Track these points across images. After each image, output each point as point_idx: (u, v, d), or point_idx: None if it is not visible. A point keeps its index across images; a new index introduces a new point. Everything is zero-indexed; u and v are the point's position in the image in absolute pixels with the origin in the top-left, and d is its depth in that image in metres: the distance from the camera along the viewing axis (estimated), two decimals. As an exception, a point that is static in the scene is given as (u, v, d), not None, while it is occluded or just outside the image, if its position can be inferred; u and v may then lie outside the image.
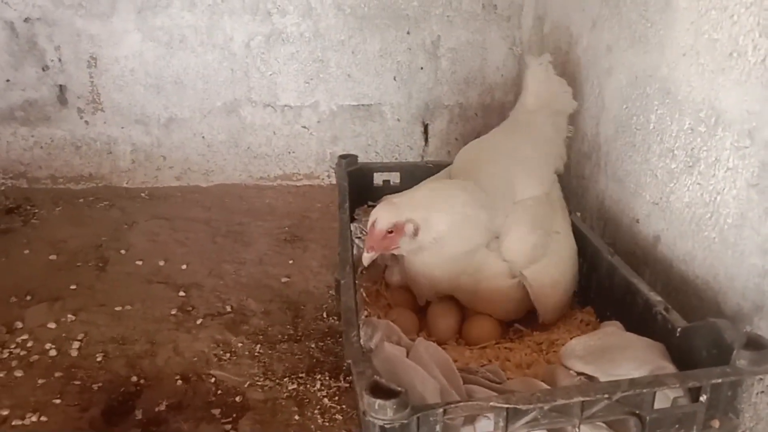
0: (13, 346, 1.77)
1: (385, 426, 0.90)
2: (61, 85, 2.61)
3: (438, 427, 0.93)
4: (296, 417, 1.54)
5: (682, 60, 1.44)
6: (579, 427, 0.96)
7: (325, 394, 1.61)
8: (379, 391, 0.90)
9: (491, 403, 0.91)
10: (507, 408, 0.92)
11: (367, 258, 1.45)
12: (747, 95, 1.22)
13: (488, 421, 0.97)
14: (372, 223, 1.42)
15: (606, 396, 0.94)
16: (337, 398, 1.59)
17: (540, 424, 0.95)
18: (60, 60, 2.57)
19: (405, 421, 0.90)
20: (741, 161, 1.24)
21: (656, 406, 1.00)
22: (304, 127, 2.75)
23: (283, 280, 2.13)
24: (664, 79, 1.52)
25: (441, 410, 0.92)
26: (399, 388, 0.90)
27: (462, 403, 0.92)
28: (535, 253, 1.51)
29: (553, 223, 1.57)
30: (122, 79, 2.62)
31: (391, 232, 1.42)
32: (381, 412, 0.88)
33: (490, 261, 1.50)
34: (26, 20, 2.49)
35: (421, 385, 1.08)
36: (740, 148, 1.24)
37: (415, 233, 1.43)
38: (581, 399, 0.93)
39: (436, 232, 1.43)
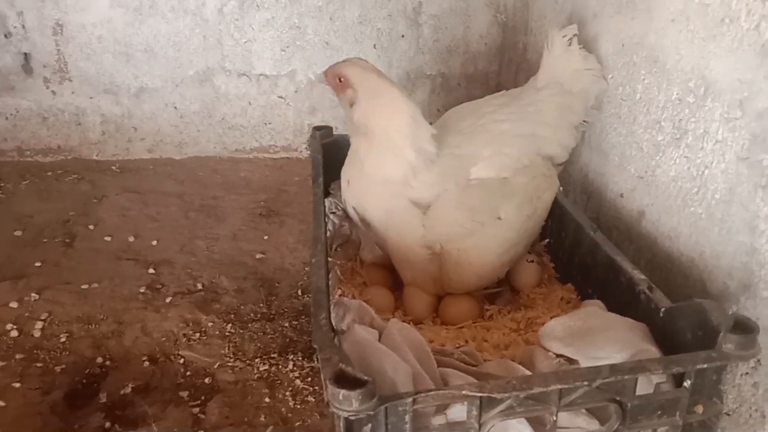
0: (-28, 328, 1.70)
1: (350, 418, 0.84)
2: (25, 53, 2.49)
3: (407, 417, 0.87)
4: (267, 399, 1.48)
5: (671, 26, 1.37)
6: (557, 415, 0.91)
7: (297, 375, 1.55)
8: (345, 380, 0.84)
9: (464, 392, 0.86)
10: (480, 396, 0.86)
11: (319, 76, 1.57)
12: (739, 63, 1.15)
13: (461, 407, 0.92)
14: (341, 61, 1.52)
15: (585, 383, 0.89)
16: (309, 379, 1.54)
17: (516, 412, 0.90)
18: (23, 26, 2.45)
19: (371, 413, 0.84)
20: (731, 133, 1.18)
21: (638, 392, 0.95)
22: (281, 97, 2.65)
23: (258, 256, 2.06)
24: (652, 46, 1.44)
25: (410, 399, 0.86)
26: (365, 377, 0.84)
27: (433, 392, 0.86)
28: (455, 231, 1.43)
29: (498, 209, 1.45)
30: (90, 47, 2.50)
31: (340, 80, 1.48)
32: (346, 402, 0.82)
33: (409, 218, 1.44)
34: (-15, -17, 2.36)
35: (393, 370, 1.02)
36: (730, 119, 1.18)
37: (351, 103, 1.47)
38: (559, 386, 0.88)
39: (364, 121, 1.45)
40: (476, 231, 1.44)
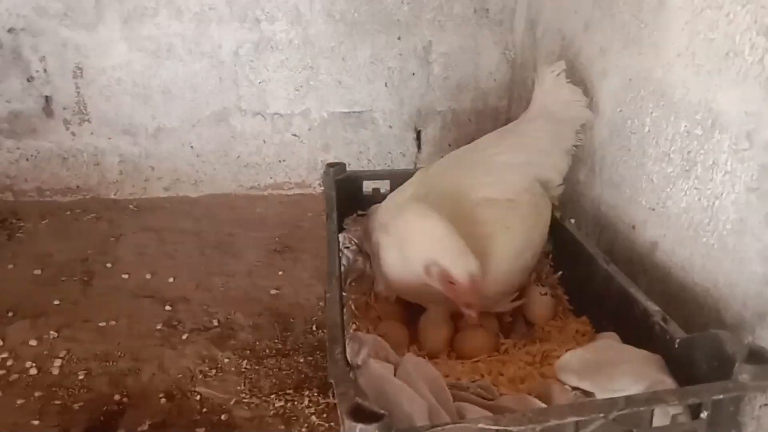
0: (-7, 365, 1.72)
1: (367, 451, 0.85)
2: (46, 96, 2.56)
3: (423, 451, 0.88)
4: (283, 435, 1.49)
5: (677, 61, 1.39)
6: (573, 449, 0.91)
7: (313, 411, 1.56)
8: (361, 414, 0.85)
9: (480, 425, 0.86)
10: (497, 430, 0.86)
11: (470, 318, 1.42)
12: (745, 96, 1.17)
13: (478, 442, 0.92)
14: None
15: (601, 415, 0.89)
16: (325, 415, 1.54)
17: (532, 445, 0.90)
18: (45, 71, 2.52)
19: (388, 445, 0.84)
20: (739, 164, 1.19)
21: (655, 423, 0.94)
22: (295, 135, 2.70)
23: (273, 292, 2.08)
24: (659, 81, 1.47)
25: (427, 433, 0.86)
26: (382, 411, 0.85)
27: (449, 426, 0.87)
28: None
29: (505, 221, 1.50)
30: (109, 89, 2.57)
31: (452, 282, 1.37)
32: (362, 436, 0.83)
33: None
34: (10, 30, 2.44)
35: (409, 404, 1.03)
36: (738, 150, 1.19)
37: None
38: (575, 419, 0.88)
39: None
40: (486, 241, 1.46)
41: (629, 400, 0.90)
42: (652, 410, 0.92)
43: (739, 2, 1.18)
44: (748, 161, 1.17)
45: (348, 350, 1.18)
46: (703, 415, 0.94)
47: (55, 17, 2.44)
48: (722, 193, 1.25)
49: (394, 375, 1.15)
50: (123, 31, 2.48)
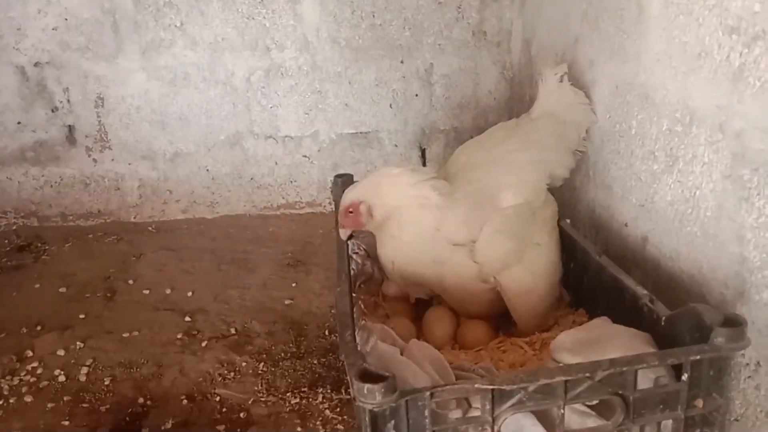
0: (23, 374, 1.82)
1: (375, 410, 0.93)
2: (69, 126, 2.71)
3: (426, 412, 0.96)
4: (299, 429, 1.57)
5: (656, 65, 1.50)
6: (564, 408, 0.99)
7: (327, 406, 1.64)
8: (368, 376, 0.94)
9: (476, 385, 0.95)
10: (492, 389, 0.95)
11: (342, 233, 1.63)
12: (715, 91, 1.27)
13: (477, 407, 1.00)
14: (341, 208, 1.62)
15: (587, 375, 0.97)
16: (338, 410, 1.62)
17: (525, 406, 0.98)
18: (68, 101, 2.67)
19: (393, 405, 0.93)
20: (715, 155, 1.29)
21: (640, 387, 1.02)
22: (305, 156, 2.83)
23: (287, 302, 2.17)
24: (642, 85, 1.57)
25: (428, 394, 0.95)
26: (387, 374, 0.94)
27: (448, 387, 0.95)
28: (507, 259, 1.54)
29: (534, 235, 1.59)
30: (128, 117, 2.71)
31: (351, 211, 1.58)
32: (370, 396, 0.92)
33: (460, 259, 1.53)
34: (36, 64, 2.60)
35: (413, 378, 1.11)
36: (713, 142, 1.29)
37: (370, 213, 1.57)
38: (563, 378, 0.96)
39: (385, 209, 1.55)
40: (523, 257, 1.56)
41: (613, 361, 0.98)
42: (636, 371, 1.00)
43: (706, 7, 1.29)
44: (722, 151, 1.26)
45: (357, 339, 1.27)
46: (684, 377, 1.02)
47: (77, 51, 2.60)
48: (701, 183, 1.34)
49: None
50: (141, 62, 2.63)
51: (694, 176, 1.37)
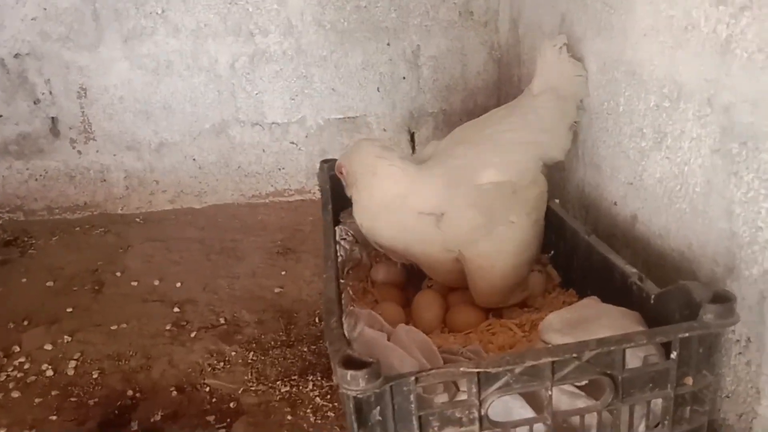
0: (10, 369, 1.80)
1: (359, 396, 0.92)
2: (53, 117, 2.67)
3: (412, 397, 0.94)
4: (289, 417, 1.55)
5: (643, 41, 1.47)
6: (551, 389, 0.97)
7: (317, 393, 1.62)
8: (352, 363, 0.92)
9: (462, 369, 0.93)
10: (478, 372, 0.93)
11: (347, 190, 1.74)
12: (703, 65, 1.25)
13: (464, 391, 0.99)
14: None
15: (575, 356, 0.95)
16: (329, 397, 1.60)
17: (512, 388, 0.96)
18: (51, 93, 2.63)
19: (377, 391, 0.91)
20: (703, 129, 1.27)
21: (629, 366, 1.01)
22: (293, 143, 2.79)
23: (276, 290, 2.15)
24: (629, 61, 1.55)
25: (413, 379, 0.93)
26: (370, 359, 0.92)
27: (433, 371, 0.94)
28: (474, 234, 1.52)
29: (510, 213, 1.56)
30: (112, 107, 2.68)
31: (341, 173, 1.71)
32: (353, 383, 0.90)
33: (424, 227, 1.54)
34: (16, 56, 2.56)
35: (399, 363, 1.10)
36: (701, 116, 1.27)
37: (344, 176, 1.70)
38: (550, 359, 0.94)
39: (353, 174, 1.65)
40: (492, 233, 1.53)
41: (600, 341, 0.97)
42: (624, 350, 0.98)
43: (693, -22, 1.26)
44: (711, 125, 1.24)
45: (345, 325, 1.25)
46: (673, 355, 1.01)
47: (58, 41, 2.56)
48: (690, 159, 1.32)
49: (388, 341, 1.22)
50: (123, 51, 2.59)
51: (682, 152, 1.35)
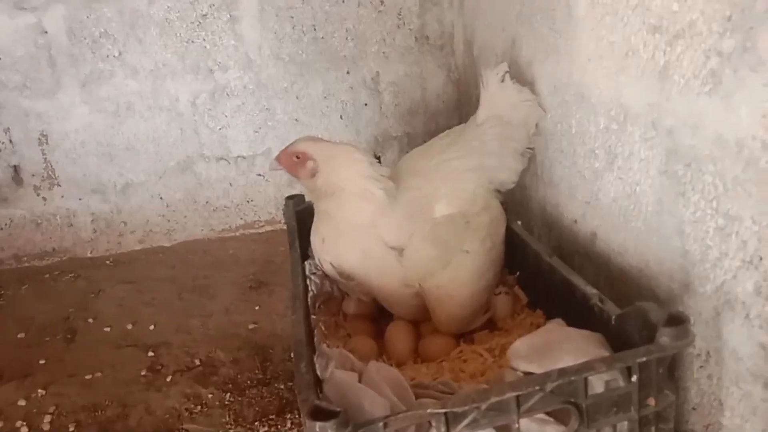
0: (-18, 430, 1.77)
1: (329, 446, 0.93)
2: (15, 166, 2.64)
3: (382, 441, 0.96)
4: (269, 458, 1.55)
5: (588, 65, 1.52)
6: (518, 422, 1.00)
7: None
8: (320, 413, 0.93)
9: (429, 410, 0.95)
10: (445, 412, 0.95)
11: (273, 165, 1.66)
12: (645, 89, 1.29)
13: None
14: (291, 143, 1.64)
15: (538, 388, 0.98)
16: (307, 434, 1.61)
17: (480, 424, 0.98)
18: (11, 141, 2.61)
19: (346, 439, 0.93)
20: (650, 151, 1.31)
21: (592, 392, 1.04)
22: (260, 175, 2.81)
23: (250, 326, 2.15)
24: (577, 84, 1.60)
25: (381, 424, 0.95)
26: (338, 409, 0.93)
27: (401, 414, 0.95)
28: (431, 266, 1.56)
29: (464, 242, 1.59)
30: (74, 152, 2.66)
31: (298, 157, 1.60)
32: (322, 433, 0.91)
33: (388, 261, 1.56)
34: (-27, 107, 2.54)
35: (370, 405, 1.11)
36: (648, 138, 1.31)
37: (313, 174, 1.60)
38: (514, 394, 0.97)
39: (329, 182, 1.58)
40: (449, 265, 1.56)
41: (561, 371, 0.99)
42: (586, 379, 1.01)
43: (630, 6, 1.31)
44: (657, 147, 1.28)
45: (317, 366, 1.26)
46: (633, 378, 1.04)
47: (15, 89, 2.54)
48: (640, 180, 1.36)
49: (359, 382, 1.23)
50: (82, 95, 2.58)
51: (632, 172, 1.39)
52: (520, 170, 1.79)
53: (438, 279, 1.55)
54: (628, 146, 1.39)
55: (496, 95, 1.84)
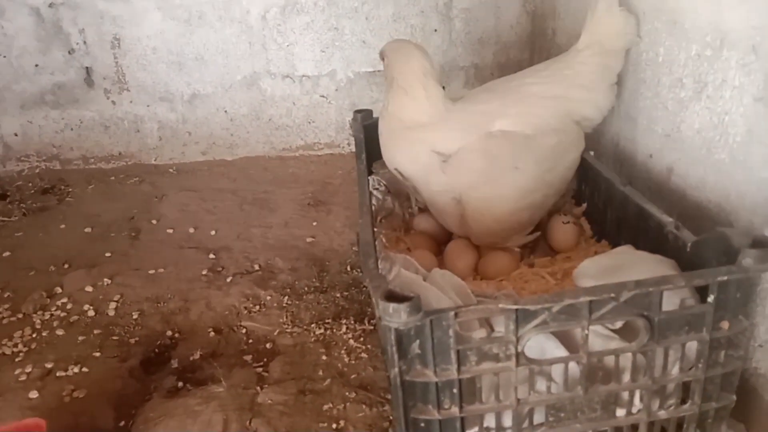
0: (54, 309, 1.86)
1: (400, 329, 0.95)
2: (87, 67, 2.70)
3: (451, 332, 0.97)
4: (324, 357, 1.60)
5: (687, -12, 1.45)
6: (588, 329, 0.99)
7: (350, 336, 1.66)
8: (393, 297, 0.95)
9: (500, 305, 0.95)
10: (516, 309, 0.96)
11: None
12: (751, 11, 1.23)
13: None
14: None
15: (612, 296, 0.97)
16: (362, 339, 1.65)
17: (549, 326, 0.98)
18: (85, 42, 2.66)
19: (418, 324, 0.94)
20: (746, 77, 1.25)
21: (665, 308, 1.02)
22: (323, 96, 2.80)
23: (309, 240, 2.19)
24: (672, 10, 1.52)
25: (453, 313, 0.96)
26: (412, 294, 0.94)
27: (473, 307, 0.96)
28: (474, 179, 1.53)
29: (516, 160, 1.54)
30: (145, 58, 2.70)
31: (383, 59, 1.72)
32: (395, 315, 0.93)
33: (434, 168, 1.56)
34: (51, 5, 2.58)
35: (437, 302, 1.13)
36: (745, 64, 1.25)
37: (385, 66, 1.70)
38: (588, 299, 0.96)
39: (387, 75, 1.68)
40: (493, 179, 1.54)
41: (639, 282, 0.98)
42: (661, 292, 1.00)
43: None
44: (755, 73, 1.22)
45: (380, 268, 1.28)
46: (710, 299, 1.02)
47: (92, -10, 2.57)
48: (731, 108, 1.31)
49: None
50: (156, 1, 2.59)
51: (723, 101, 1.33)
52: (607, 110, 1.69)
53: (479, 191, 1.53)
54: (722, 73, 1.33)
55: (603, 21, 1.70)
